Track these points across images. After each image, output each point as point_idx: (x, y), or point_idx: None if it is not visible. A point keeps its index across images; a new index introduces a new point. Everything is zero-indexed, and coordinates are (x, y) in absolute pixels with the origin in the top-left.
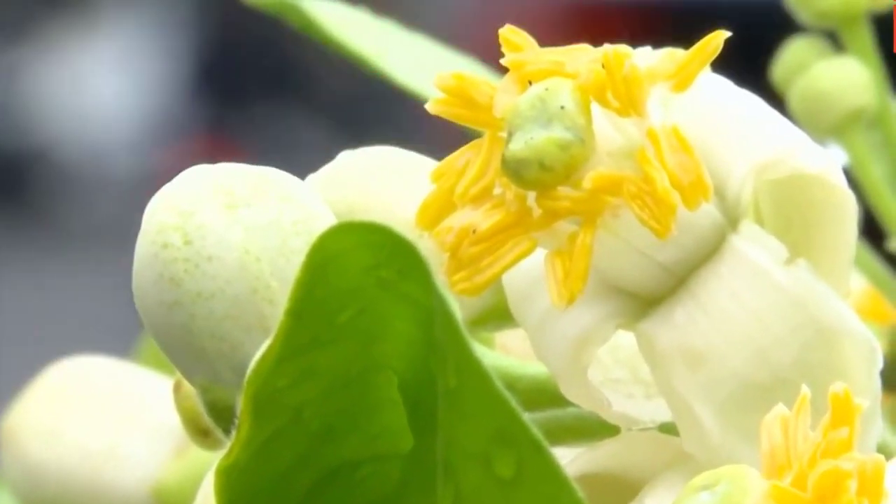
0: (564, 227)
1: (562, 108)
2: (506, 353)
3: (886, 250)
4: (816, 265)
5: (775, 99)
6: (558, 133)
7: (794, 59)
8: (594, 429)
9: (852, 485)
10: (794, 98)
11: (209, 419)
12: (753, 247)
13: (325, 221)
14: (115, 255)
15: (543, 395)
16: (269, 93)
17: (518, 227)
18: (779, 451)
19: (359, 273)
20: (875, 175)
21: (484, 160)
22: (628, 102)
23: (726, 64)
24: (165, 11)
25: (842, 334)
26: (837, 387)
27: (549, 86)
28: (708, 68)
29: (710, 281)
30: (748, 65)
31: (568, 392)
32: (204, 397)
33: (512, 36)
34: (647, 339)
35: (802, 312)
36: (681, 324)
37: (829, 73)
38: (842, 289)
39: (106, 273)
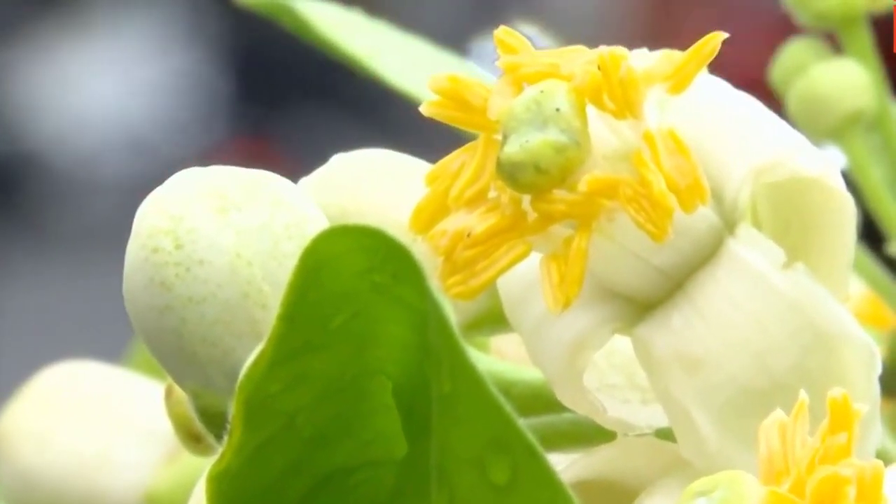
0: (560, 230)
1: (557, 110)
2: (501, 358)
3: (886, 254)
4: (815, 269)
5: (774, 101)
6: (554, 136)
7: (792, 61)
8: (590, 434)
9: (851, 491)
10: (792, 100)
11: (201, 425)
12: (751, 251)
13: (318, 225)
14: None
15: (539, 400)
16: (305, 93)
17: (513, 230)
18: (777, 456)
19: (352, 277)
20: (874, 178)
21: (479, 163)
22: (624, 105)
23: None
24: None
25: (840, 339)
26: (836, 392)
27: (544, 88)
28: (705, 70)
29: (708, 285)
30: None
31: (563, 397)
32: (195, 403)
33: (506, 38)
34: (643, 344)
35: (801, 317)
36: (678, 328)
37: (828, 75)
38: (840, 293)
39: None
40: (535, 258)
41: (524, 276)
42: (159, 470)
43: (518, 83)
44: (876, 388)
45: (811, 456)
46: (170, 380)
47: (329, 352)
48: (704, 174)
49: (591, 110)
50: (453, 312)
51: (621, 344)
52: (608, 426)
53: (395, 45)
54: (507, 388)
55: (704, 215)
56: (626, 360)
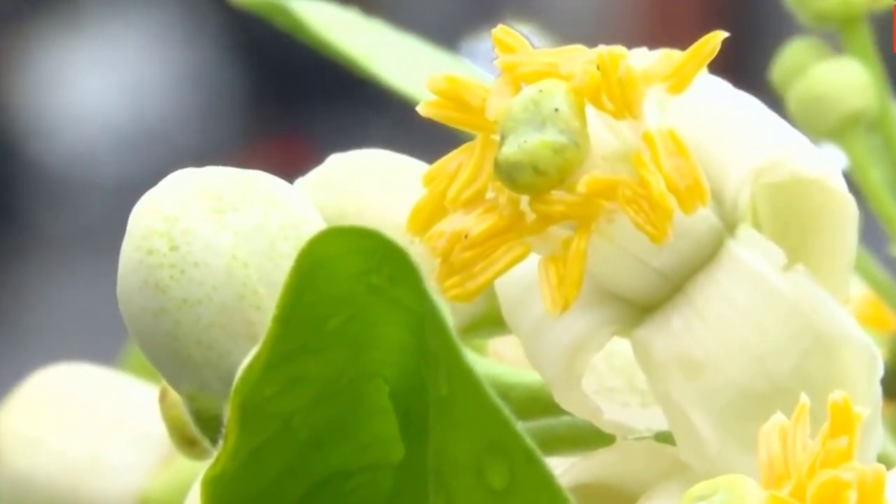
0: (558, 231)
1: (556, 110)
2: (499, 361)
3: (887, 255)
4: (815, 271)
5: (774, 101)
6: (552, 136)
7: (792, 61)
8: (589, 438)
9: (852, 495)
10: (792, 100)
11: (196, 428)
12: (751, 252)
13: (315, 226)
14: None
15: (537, 403)
16: (335, 92)
17: (511, 231)
18: (777, 460)
19: (349, 279)
20: (875, 179)
21: (476, 164)
22: (623, 105)
23: None
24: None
25: (841, 341)
26: (837, 395)
27: (542, 88)
28: (705, 70)
29: (708, 287)
30: None
31: (562, 400)
32: (190, 406)
33: (504, 37)
34: (643, 347)
35: (801, 319)
36: (677, 331)
37: (829, 75)
38: (841, 295)
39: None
40: (533, 260)
41: (522, 278)
42: (154, 474)
43: (516, 83)
44: (877, 390)
45: (812, 460)
46: (164, 383)
47: (325, 354)
48: (704, 175)
49: (589, 110)
50: (451, 314)
51: (621, 346)
52: (607, 429)
53: (392, 44)
54: (505, 391)
55: (704, 216)
56: (625, 363)
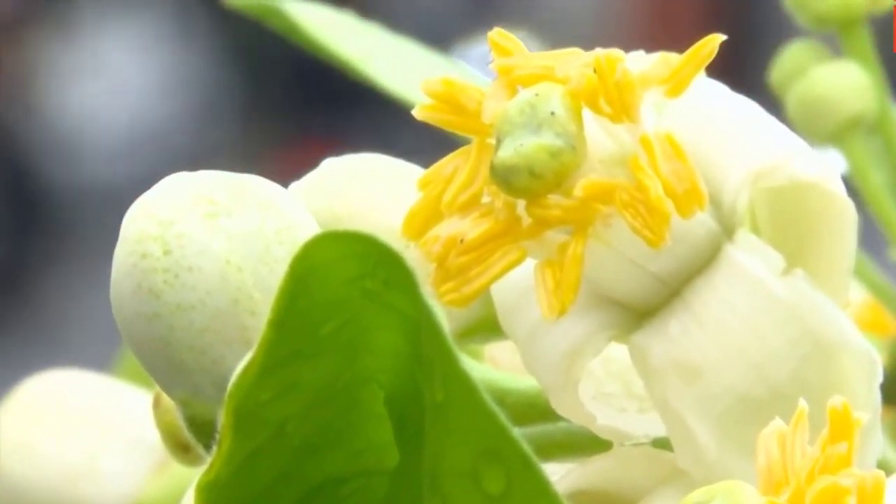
0: (555, 236)
1: (552, 113)
2: (495, 367)
3: (887, 260)
4: (814, 275)
5: (773, 104)
6: (548, 140)
7: (791, 63)
8: (586, 444)
9: (851, 501)
10: (791, 103)
11: (189, 434)
12: (750, 256)
13: (309, 230)
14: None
15: (533, 409)
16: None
17: (507, 236)
18: (776, 466)
19: (343, 283)
20: (875, 182)
21: (472, 167)
22: (621, 108)
23: None
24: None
25: (841, 346)
26: (836, 401)
27: (539, 91)
28: (703, 73)
29: (705, 292)
30: None
31: (559, 406)
32: (184, 412)
33: (500, 39)
34: (640, 352)
35: (800, 324)
36: (675, 336)
37: (828, 78)
38: (841, 300)
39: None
40: (529, 264)
41: (519, 283)
42: (147, 480)
43: (512, 86)
44: (877, 396)
45: (811, 466)
46: (158, 388)
47: (320, 360)
48: (702, 179)
49: (586, 114)
50: (446, 320)
51: (618, 352)
52: (604, 436)
53: (387, 47)
54: (502, 396)
55: (702, 221)
56: (622, 369)
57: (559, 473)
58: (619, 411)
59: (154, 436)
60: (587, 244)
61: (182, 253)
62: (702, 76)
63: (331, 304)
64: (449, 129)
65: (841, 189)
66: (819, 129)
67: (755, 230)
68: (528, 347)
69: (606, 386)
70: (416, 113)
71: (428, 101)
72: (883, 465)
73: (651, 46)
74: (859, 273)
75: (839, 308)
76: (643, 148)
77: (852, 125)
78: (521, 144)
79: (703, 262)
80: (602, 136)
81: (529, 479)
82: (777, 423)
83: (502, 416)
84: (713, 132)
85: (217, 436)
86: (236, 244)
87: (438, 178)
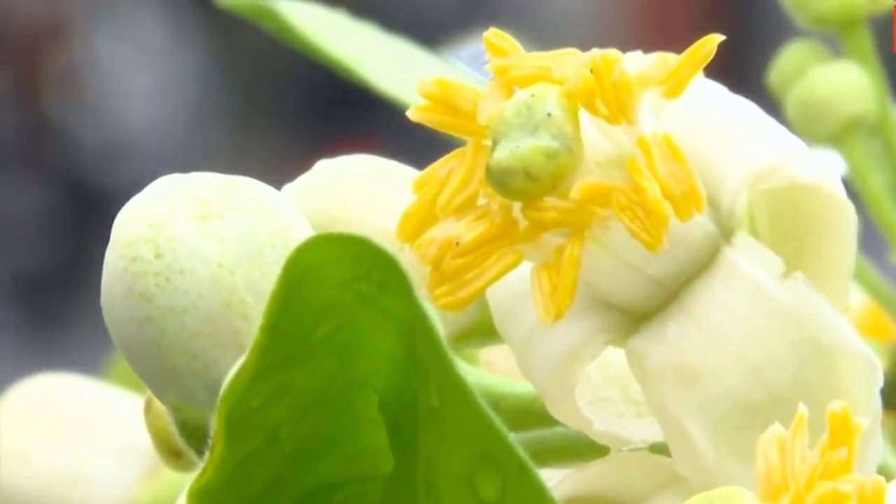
0: (551, 239)
1: (548, 115)
2: (490, 371)
3: (887, 263)
4: (814, 279)
5: (772, 105)
6: (545, 141)
7: (791, 64)
8: (582, 449)
9: None
10: (791, 104)
11: (181, 440)
12: (748, 259)
13: (302, 233)
14: None
15: (529, 414)
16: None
17: (503, 239)
18: (775, 472)
19: (337, 287)
20: (875, 184)
21: (467, 169)
22: (618, 109)
23: None
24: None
25: (840, 351)
26: (836, 406)
27: (535, 92)
28: (701, 73)
29: (704, 295)
30: None
31: (555, 411)
32: (176, 417)
33: (496, 40)
34: (637, 356)
35: (799, 328)
36: (673, 340)
37: (828, 79)
38: (840, 303)
39: None
40: (525, 268)
41: (514, 287)
42: (139, 486)
43: (508, 87)
44: (877, 401)
45: (810, 471)
46: (149, 393)
47: (313, 364)
48: (700, 181)
49: (583, 115)
50: (441, 324)
51: (615, 356)
52: (601, 441)
53: (381, 47)
54: (497, 401)
55: (700, 223)
56: (619, 373)
57: (556, 479)
58: (617, 416)
59: (145, 441)
60: (584, 247)
61: (173, 256)
62: (700, 77)
63: (324, 308)
64: (444, 131)
65: (841, 191)
66: (819, 130)
67: (754, 233)
68: (524, 351)
69: (603, 390)
70: (411, 114)
71: (423, 102)
72: (883, 471)
73: (648, 47)
74: (859, 276)
75: (839, 312)
76: (640, 149)
77: (852, 126)
78: (517, 146)
79: (702, 265)
80: (599, 138)
81: (525, 485)
82: (776, 428)
83: (498, 421)
84: (711, 133)
85: (209, 441)
86: (228, 247)
87: (433, 180)
